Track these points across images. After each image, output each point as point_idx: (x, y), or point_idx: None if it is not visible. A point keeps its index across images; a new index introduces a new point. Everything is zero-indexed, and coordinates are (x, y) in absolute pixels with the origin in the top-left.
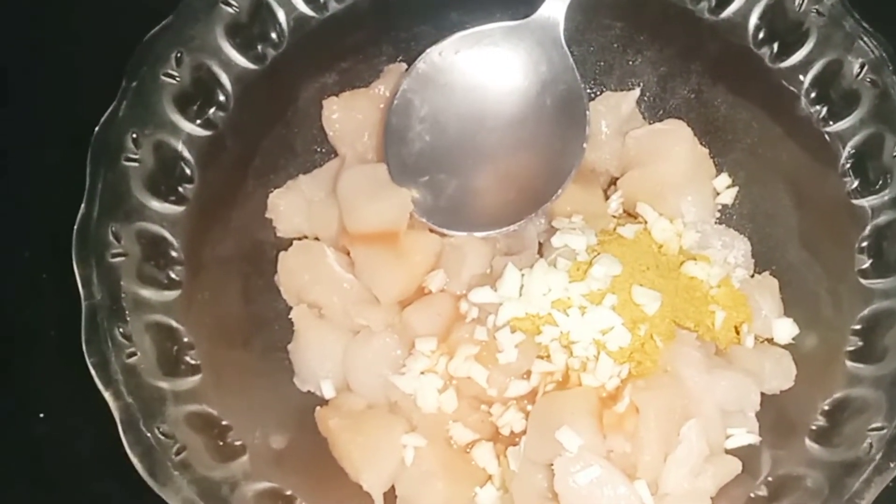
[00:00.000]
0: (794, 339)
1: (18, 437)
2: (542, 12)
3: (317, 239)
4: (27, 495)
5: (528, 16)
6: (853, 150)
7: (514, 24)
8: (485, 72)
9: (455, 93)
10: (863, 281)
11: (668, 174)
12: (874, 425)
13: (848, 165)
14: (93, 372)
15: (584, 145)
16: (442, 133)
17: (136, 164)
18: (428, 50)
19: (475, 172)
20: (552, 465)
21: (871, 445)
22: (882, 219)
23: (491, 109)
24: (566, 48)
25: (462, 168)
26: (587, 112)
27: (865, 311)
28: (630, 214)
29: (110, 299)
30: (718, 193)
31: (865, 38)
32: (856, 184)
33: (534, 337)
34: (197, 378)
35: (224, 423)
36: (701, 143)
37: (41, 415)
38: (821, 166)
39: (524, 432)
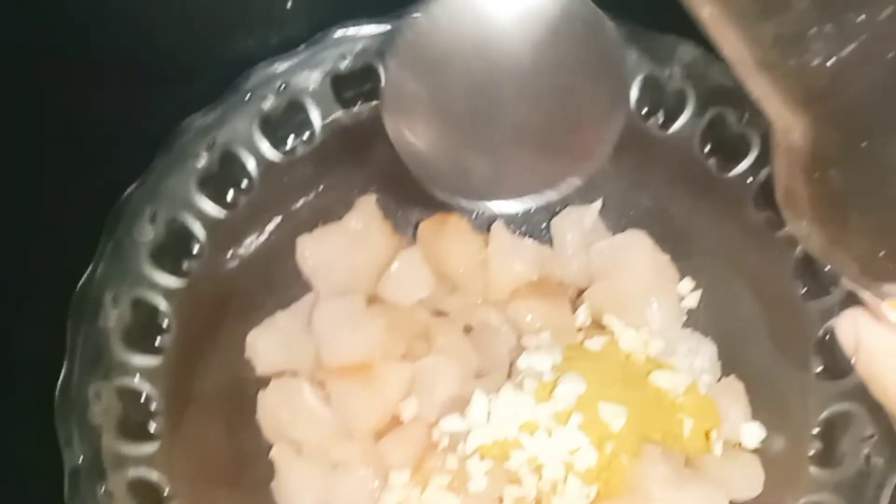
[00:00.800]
0: (761, 442)
1: None
2: None
3: (295, 374)
4: None
5: None
6: (801, 254)
7: None
8: (484, 26)
9: (454, 59)
10: (820, 383)
11: (631, 284)
12: None
13: (799, 269)
14: None
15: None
16: (452, 106)
17: (114, 324)
18: (404, 22)
19: (503, 137)
20: None
21: None
22: (832, 322)
23: (504, 62)
24: None
25: (486, 137)
26: (617, 42)
27: (824, 414)
28: (599, 325)
29: (91, 459)
30: (683, 297)
31: None
32: (807, 286)
33: (503, 463)
34: None
35: None
36: (663, 250)
37: None
38: (776, 269)
39: None
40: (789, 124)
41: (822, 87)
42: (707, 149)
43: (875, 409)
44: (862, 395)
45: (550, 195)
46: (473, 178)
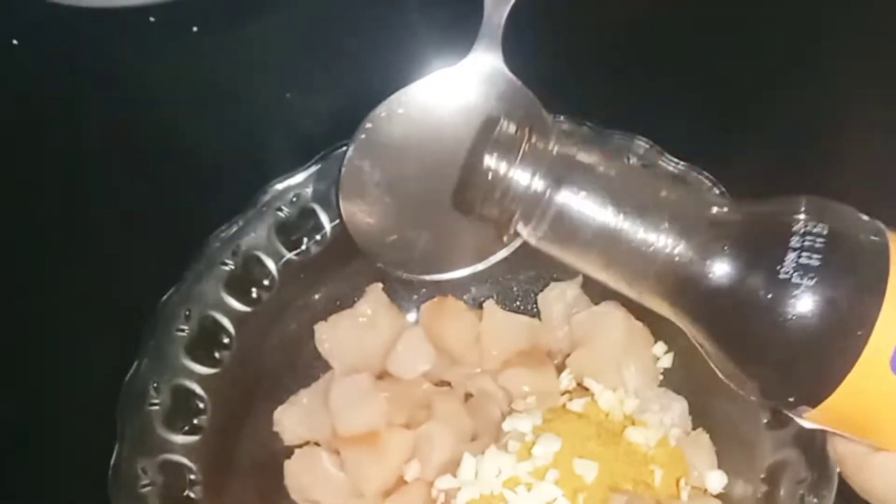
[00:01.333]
0: (724, 487)
1: None
2: (478, 47)
3: (317, 443)
4: None
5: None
6: None
7: (451, 68)
8: (433, 120)
9: (407, 148)
10: (767, 432)
11: (608, 350)
12: None
13: None
14: None
15: None
16: (401, 190)
17: (157, 408)
18: (366, 118)
19: (446, 215)
20: None
21: None
22: None
23: (448, 152)
24: (510, 74)
25: (432, 216)
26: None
27: (770, 460)
28: (581, 387)
29: None
30: (659, 358)
31: None
32: None
33: None
34: None
35: None
36: (638, 317)
37: None
38: None
39: None
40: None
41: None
42: None
43: (810, 455)
44: (799, 442)
45: (480, 267)
46: (416, 254)
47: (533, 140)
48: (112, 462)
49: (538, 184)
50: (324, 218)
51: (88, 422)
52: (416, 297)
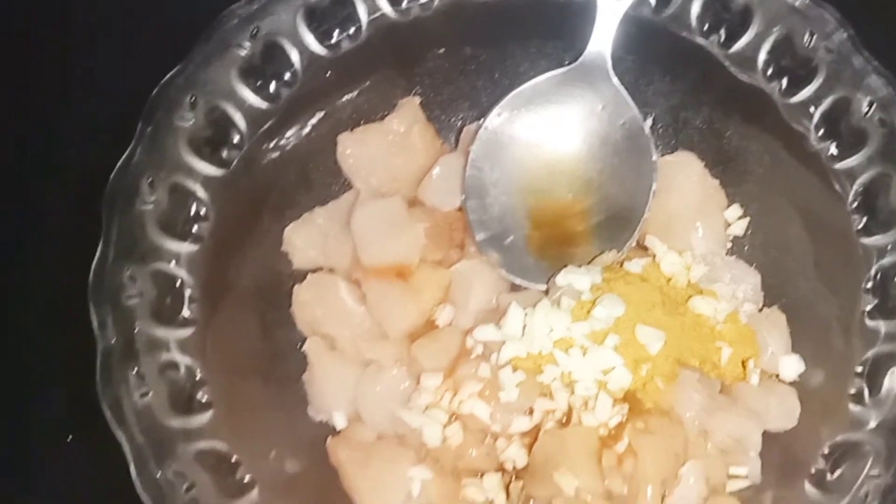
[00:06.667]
0: (799, 375)
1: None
2: (588, 53)
3: (332, 271)
4: None
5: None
6: (861, 189)
7: (563, 71)
8: (544, 125)
9: (520, 150)
10: (868, 322)
11: (678, 206)
12: (872, 473)
13: (856, 203)
14: (107, 413)
15: (654, 181)
16: (516, 192)
17: (150, 207)
18: (487, 116)
19: (553, 225)
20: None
21: (866, 494)
22: (887, 260)
23: (558, 159)
24: (617, 83)
25: (540, 222)
26: (651, 145)
27: (869, 354)
28: (641, 247)
29: (125, 341)
30: (730, 224)
31: (874, 76)
32: (863, 222)
33: (535, 376)
34: (208, 414)
35: (234, 459)
36: (713, 175)
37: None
38: (831, 202)
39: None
40: None
41: None
42: (769, 71)
43: None
44: None
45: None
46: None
47: None
48: (93, 266)
49: None
50: (360, 8)
51: (71, 217)
52: (454, 119)
